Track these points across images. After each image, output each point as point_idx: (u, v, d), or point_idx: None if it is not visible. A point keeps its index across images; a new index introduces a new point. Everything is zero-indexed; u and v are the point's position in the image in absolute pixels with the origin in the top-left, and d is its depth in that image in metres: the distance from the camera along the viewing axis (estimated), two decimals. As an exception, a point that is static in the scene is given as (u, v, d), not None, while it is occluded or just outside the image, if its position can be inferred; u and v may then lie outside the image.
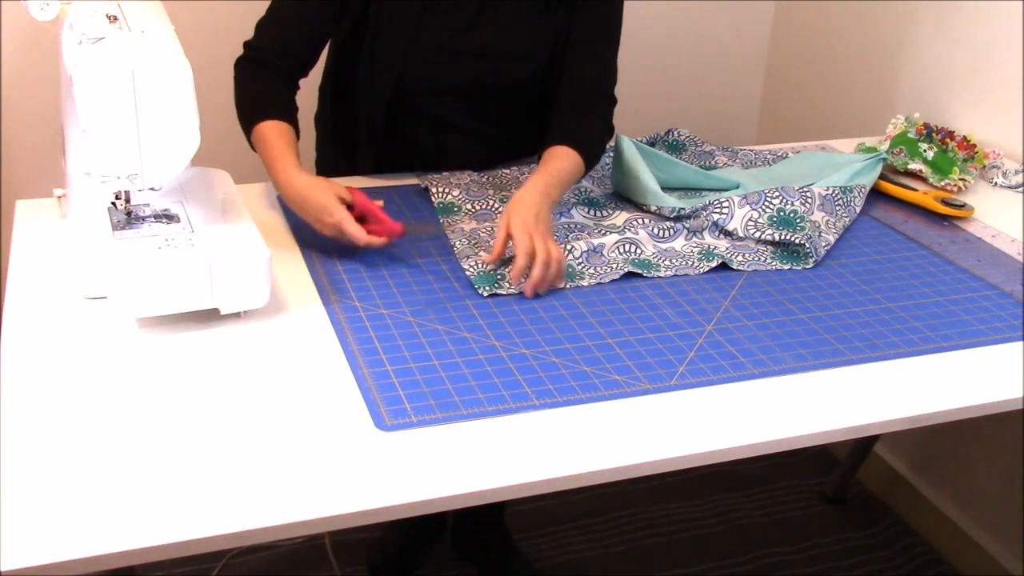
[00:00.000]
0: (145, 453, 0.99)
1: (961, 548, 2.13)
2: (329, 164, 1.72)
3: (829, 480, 2.33)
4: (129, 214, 1.24)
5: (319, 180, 1.37)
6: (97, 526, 0.90)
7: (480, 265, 1.37)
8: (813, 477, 2.36)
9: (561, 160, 1.46)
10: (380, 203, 1.40)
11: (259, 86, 1.48)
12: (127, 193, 1.22)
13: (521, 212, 1.34)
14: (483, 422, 1.08)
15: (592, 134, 1.54)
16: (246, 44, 1.52)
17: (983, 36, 1.97)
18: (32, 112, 2.07)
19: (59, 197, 1.44)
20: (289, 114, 1.47)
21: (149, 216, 1.25)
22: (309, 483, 0.97)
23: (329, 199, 1.34)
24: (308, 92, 1.63)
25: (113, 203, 1.23)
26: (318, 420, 1.06)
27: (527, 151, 1.70)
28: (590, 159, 1.52)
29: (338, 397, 1.10)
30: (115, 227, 1.22)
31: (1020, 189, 1.82)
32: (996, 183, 1.84)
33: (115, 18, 1.15)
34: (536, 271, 1.30)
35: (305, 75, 1.56)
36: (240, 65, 1.51)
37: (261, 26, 1.52)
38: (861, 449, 2.28)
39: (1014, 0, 1.88)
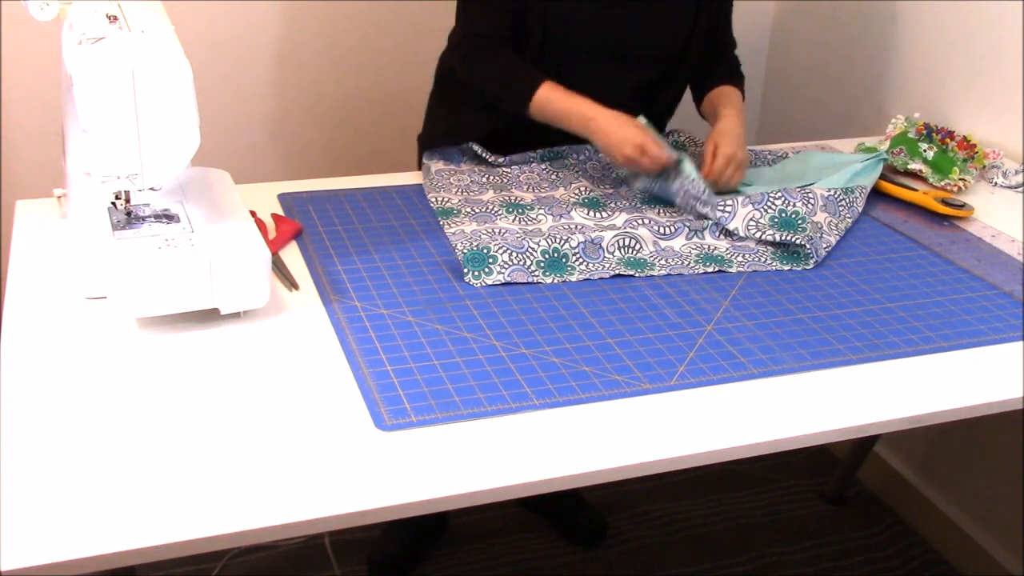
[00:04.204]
0: (145, 453, 0.99)
1: (961, 548, 2.13)
2: (440, 125, 1.78)
3: (829, 480, 2.33)
4: (129, 214, 1.24)
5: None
6: (97, 526, 0.90)
7: (472, 244, 1.40)
8: (813, 477, 2.36)
9: (737, 97, 1.74)
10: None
11: (511, 64, 1.62)
12: (127, 193, 1.22)
13: (727, 138, 1.60)
14: (483, 422, 1.08)
15: (740, 75, 1.84)
16: (465, 34, 1.65)
17: (983, 36, 1.97)
18: (32, 112, 2.07)
19: (59, 197, 1.44)
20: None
21: (149, 216, 1.25)
22: (309, 483, 0.97)
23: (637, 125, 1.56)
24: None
25: (113, 203, 1.23)
26: (318, 420, 1.06)
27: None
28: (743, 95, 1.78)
29: (338, 397, 1.10)
30: (115, 227, 1.22)
31: (1020, 189, 1.82)
32: (996, 183, 1.84)
33: (115, 18, 1.15)
34: (719, 162, 1.56)
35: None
36: (473, 56, 1.64)
37: (474, 13, 1.65)
38: (861, 449, 2.28)
39: (1014, 0, 1.88)
